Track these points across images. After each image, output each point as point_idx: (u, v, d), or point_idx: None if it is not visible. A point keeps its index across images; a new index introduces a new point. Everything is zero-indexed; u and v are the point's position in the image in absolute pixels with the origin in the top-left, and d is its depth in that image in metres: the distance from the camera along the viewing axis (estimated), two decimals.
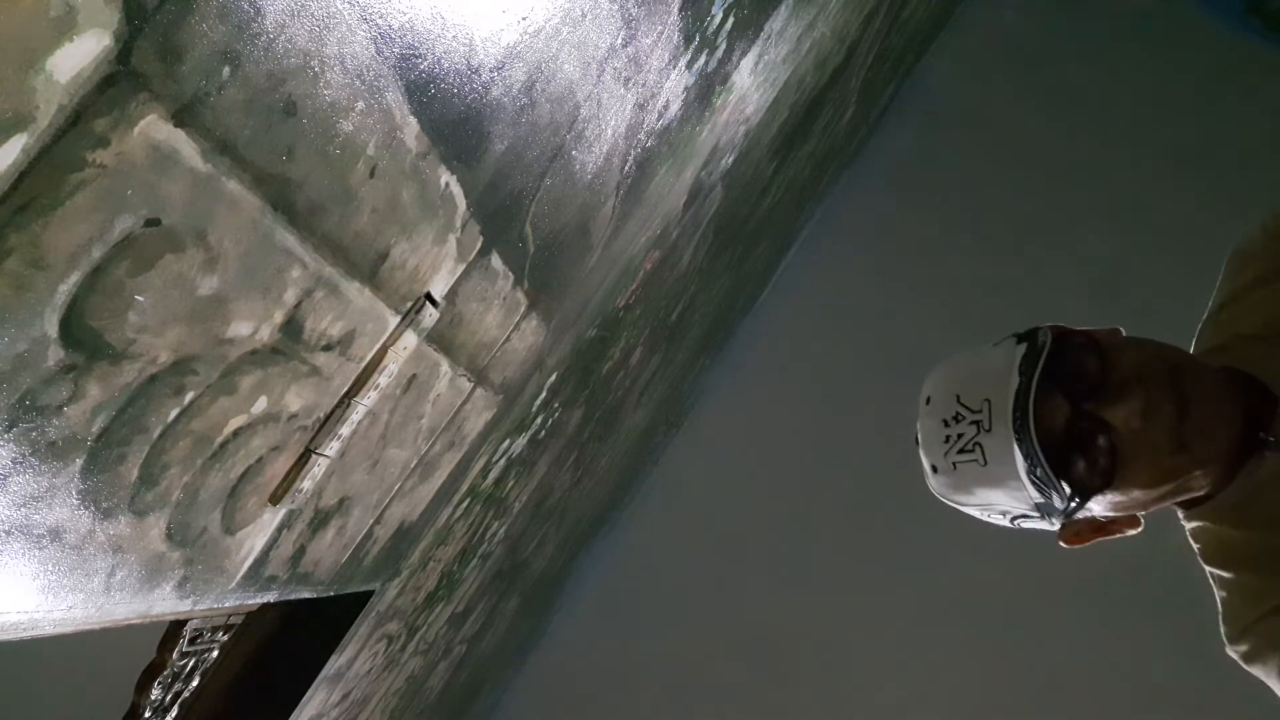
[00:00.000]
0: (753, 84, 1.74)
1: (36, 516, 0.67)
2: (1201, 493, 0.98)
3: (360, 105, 0.75)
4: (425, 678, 2.51)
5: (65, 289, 0.59)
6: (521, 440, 1.90)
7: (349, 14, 0.68)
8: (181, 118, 0.60)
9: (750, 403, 4.41)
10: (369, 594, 1.58)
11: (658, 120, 1.39)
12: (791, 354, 4.41)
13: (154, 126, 0.59)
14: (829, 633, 4.12)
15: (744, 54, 1.57)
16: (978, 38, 4.39)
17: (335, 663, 1.61)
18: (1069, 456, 0.92)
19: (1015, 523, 1.01)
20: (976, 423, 0.95)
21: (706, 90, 1.51)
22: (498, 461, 1.83)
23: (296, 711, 1.55)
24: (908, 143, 4.42)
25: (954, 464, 0.98)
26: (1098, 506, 0.95)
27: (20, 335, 0.57)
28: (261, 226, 0.73)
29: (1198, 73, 4.17)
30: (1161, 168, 4.17)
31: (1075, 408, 0.92)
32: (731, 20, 1.40)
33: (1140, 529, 1.01)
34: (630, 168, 1.40)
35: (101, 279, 0.61)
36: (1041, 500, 0.94)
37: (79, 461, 0.69)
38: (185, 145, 0.62)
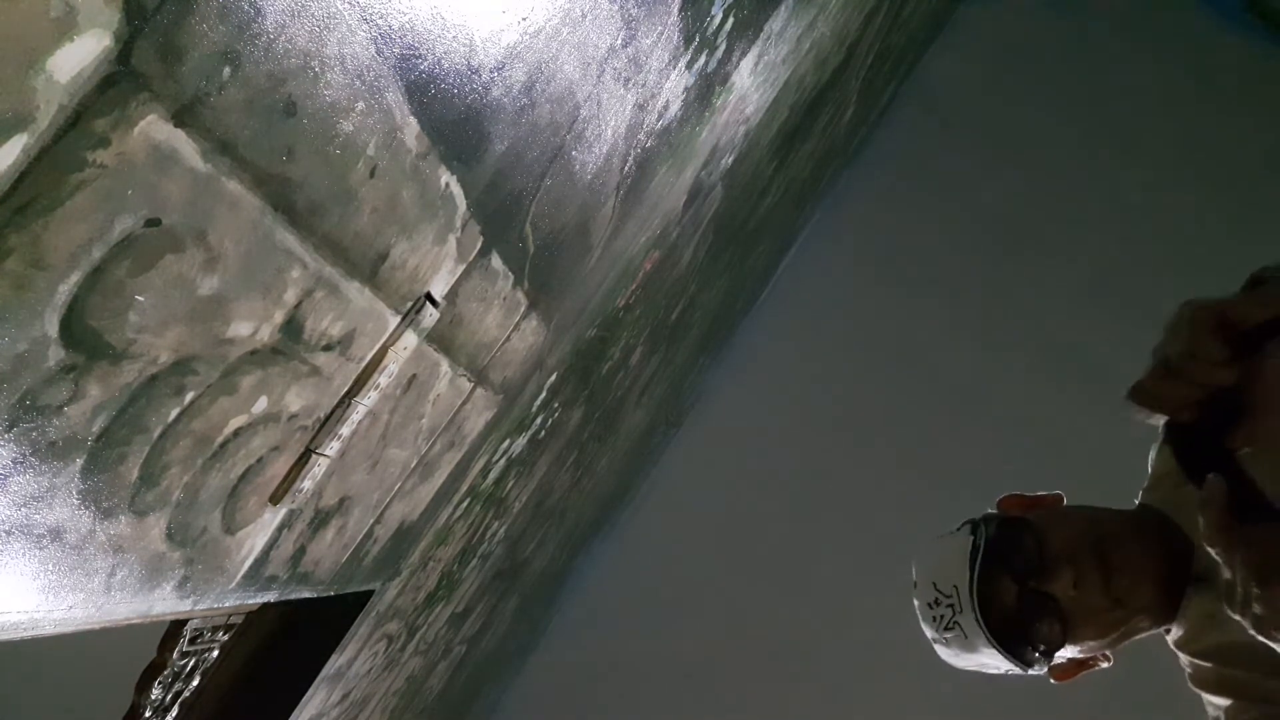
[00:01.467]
0: (753, 84, 1.74)
1: (37, 516, 0.67)
2: (1154, 630, 1.16)
3: (360, 105, 0.75)
4: (425, 678, 2.51)
5: (65, 289, 0.59)
6: (521, 440, 1.90)
7: (349, 14, 0.68)
8: (182, 118, 0.60)
9: (750, 403, 4.41)
10: (369, 594, 1.58)
11: (658, 120, 1.39)
12: (791, 354, 4.41)
13: (154, 126, 0.59)
14: (828, 632, 4.12)
15: (744, 54, 1.57)
16: (978, 37, 4.39)
17: (335, 663, 1.61)
18: (1025, 626, 1.14)
19: (1008, 673, 1.22)
20: (951, 605, 1.17)
21: (706, 90, 1.51)
22: (498, 461, 1.83)
23: (296, 711, 1.55)
24: (908, 142, 4.41)
25: (945, 639, 1.20)
26: (1067, 654, 1.17)
27: (20, 335, 0.57)
28: (261, 226, 0.73)
29: (1198, 72, 4.17)
30: (1161, 167, 4.17)
31: (1021, 586, 1.14)
32: (731, 20, 1.40)
33: (1112, 662, 1.22)
34: (630, 168, 1.40)
35: (102, 279, 0.61)
36: (1015, 663, 1.16)
37: (79, 461, 0.69)
38: (185, 145, 0.62)
